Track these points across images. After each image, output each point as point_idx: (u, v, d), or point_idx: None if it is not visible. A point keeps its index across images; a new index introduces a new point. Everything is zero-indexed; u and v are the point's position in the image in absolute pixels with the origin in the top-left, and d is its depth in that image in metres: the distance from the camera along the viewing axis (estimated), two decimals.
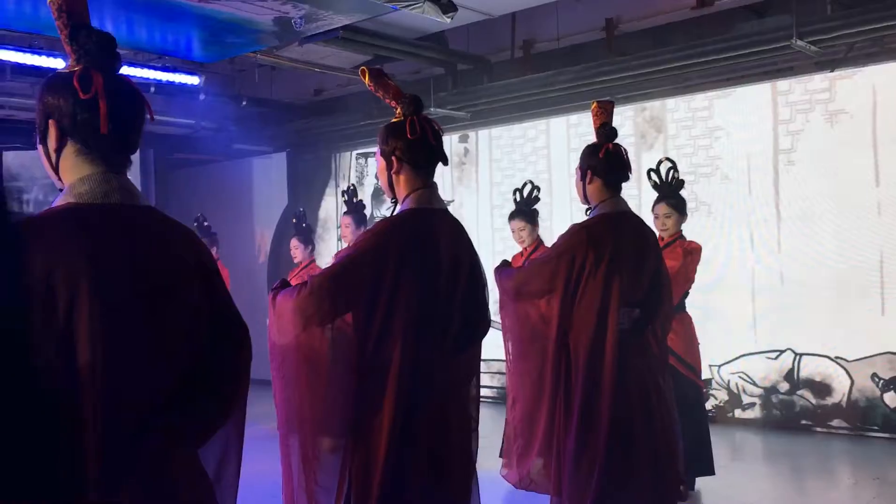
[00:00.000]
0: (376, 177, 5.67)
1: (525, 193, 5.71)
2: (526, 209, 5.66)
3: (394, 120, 2.51)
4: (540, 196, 5.81)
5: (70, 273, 1.46)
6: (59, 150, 1.60)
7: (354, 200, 6.15)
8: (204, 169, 10.91)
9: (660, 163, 5.05)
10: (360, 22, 6.17)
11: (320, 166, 10.19)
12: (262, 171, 10.50)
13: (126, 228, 1.58)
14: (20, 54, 5.82)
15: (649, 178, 5.03)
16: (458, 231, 2.53)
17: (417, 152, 2.45)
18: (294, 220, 6.81)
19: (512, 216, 5.72)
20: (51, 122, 1.59)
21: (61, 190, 1.62)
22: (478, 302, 2.56)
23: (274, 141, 10.15)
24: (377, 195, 9.33)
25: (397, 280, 2.31)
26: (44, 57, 5.89)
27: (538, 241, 5.67)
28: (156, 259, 1.59)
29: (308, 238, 6.70)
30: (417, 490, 2.33)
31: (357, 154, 9.76)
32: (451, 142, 8.75)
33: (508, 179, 8.49)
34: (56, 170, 1.63)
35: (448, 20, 5.35)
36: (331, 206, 10.10)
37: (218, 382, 1.66)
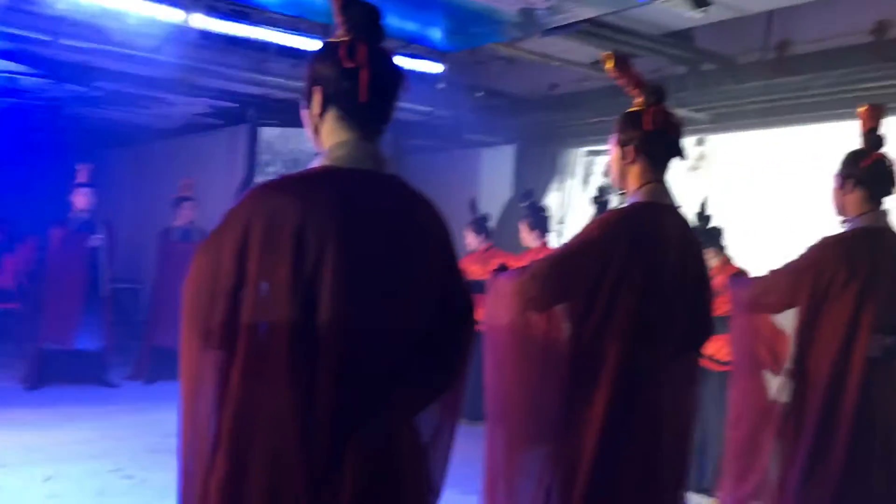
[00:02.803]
0: (604, 174, 5.48)
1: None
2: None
3: (633, 109, 2.42)
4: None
5: (320, 229, 1.53)
6: (321, 115, 1.69)
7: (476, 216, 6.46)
8: (435, 156, 11.27)
9: None
10: (603, 15, 6.06)
11: (547, 161, 10.18)
12: (490, 162, 10.67)
13: (376, 193, 1.64)
14: (285, 35, 6.29)
15: None
16: (687, 231, 2.40)
17: (655, 144, 2.36)
18: (470, 208, 6.96)
19: None
20: (315, 88, 1.68)
21: (317, 153, 1.72)
22: (703, 306, 2.42)
23: (504, 133, 10.27)
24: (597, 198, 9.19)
25: (622, 273, 2.23)
26: (305, 38, 6.32)
27: (725, 260, 5.37)
28: (400, 226, 1.64)
29: (481, 227, 6.90)
30: (624, 493, 2.24)
31: (586, 151, 9.65)
32: (687, 144, 8.41)
33: (747, 187, 8.03)
34: (317, 133, 1.72)
35: (700, 15, 5.12)
36: (555, 202, 10.07)
37: (445, 352, 1.68)
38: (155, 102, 9.06)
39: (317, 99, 1.69)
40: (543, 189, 10.24)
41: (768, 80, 7.18)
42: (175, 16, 5.54)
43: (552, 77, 9.38)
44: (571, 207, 9.81)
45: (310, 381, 1.51)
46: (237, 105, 9.21)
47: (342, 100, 1.66)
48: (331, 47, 1.67)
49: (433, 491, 1.74)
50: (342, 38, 1.66)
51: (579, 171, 9.78)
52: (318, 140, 1.72)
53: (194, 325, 1.58)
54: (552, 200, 10.14)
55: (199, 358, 1.58)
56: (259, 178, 9.11)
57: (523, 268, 2.37)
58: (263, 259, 1.53)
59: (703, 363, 3.51)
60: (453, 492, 2.94)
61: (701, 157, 8.42)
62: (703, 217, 5.24)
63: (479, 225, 6.94)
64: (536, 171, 10.27)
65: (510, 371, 2.39)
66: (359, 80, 1.63)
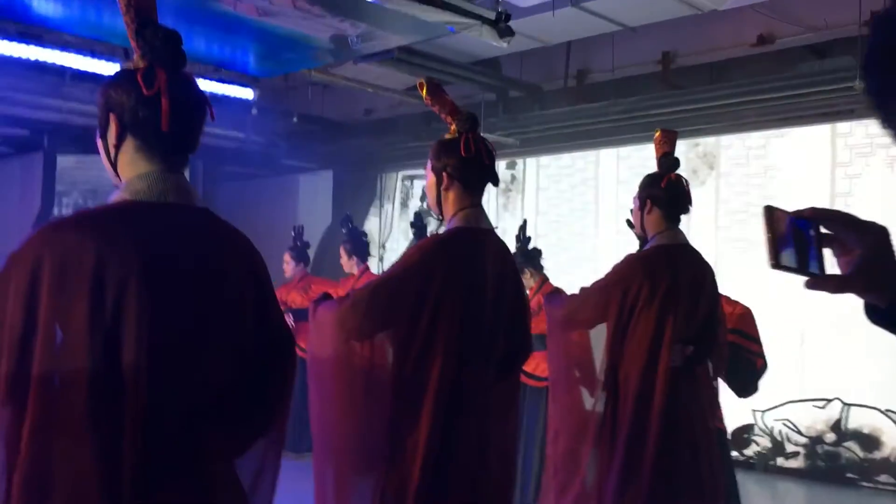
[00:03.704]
0: (421, 198, 5.48)
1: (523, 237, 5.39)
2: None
3: (448, 136, 2.46)
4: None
5: (121, 269, 1.42)
6: (118, 146, 1.58)
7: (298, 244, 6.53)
8: (250, 183, 10.99)
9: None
10: (415, 43, 6.17)
11: (366, 186, 10.20)
12: (308, 188, 10.54)
13: (180, 228, 1.54)
14: (81, 58, 5.91)
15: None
16: (504, 253, 2.46)
17: (470, 171, 2.40)
18: (295, 238, 6.89)
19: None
20: (112, 116, 1.57)
21: (116, 187, 1.60)
22: (522, 327, 2.48)
23: (321, 158, 10.20)
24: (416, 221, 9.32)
25: (441, 299, 2.24)
26: (104, 62, 5.97)
27: (543, 280, 5.35)
28: (208, 262, 1.55)
29: (302, 254, 6.81)
30: None
31: (403, 175, 9.76)
32: (498, 168, 8.70)
33: (554, 209, 8.41)
34: (114, 166, 1.60)
35: (504, 44, 5.31)
36: (373, 226, 10.08)
37: (262, 393, 1.61)
38: None
39: (113, 128, 1.57)
40: (363, 214, 10.24)
41: (571, 106, 7.60)
42: None
43: (367, 103, 9.44)
44: (391, 231, 9.87)
45: (113, 435, 1.39)
46: (29, 132, 8.54)
47: (141, 129, 1.55)
48: (127, 73, 1.56)
49: None
50: (139, 65, 1.56)
51: (398, 195, 9.88)
52: (116, 172, 1.60)
53: None
54: (371, 225, 10.15)
55: None
56: (56, 210, 8.49)
57: (343, 297, 2.33)
58: (56, 303, 1.39)
59: (523, 379, 3.61)
60: None
61: (512, 181, 8.75)
62: (522, 239, 5.36)
63: (300, 253, 6.82)
64: (355, 196, 10.26)
65: (335, 402, 2.34)
66: (160, 108, 1.53)
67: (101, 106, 1.59)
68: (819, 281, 0.97)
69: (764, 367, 4.11)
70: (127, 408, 1.40)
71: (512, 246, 4.47)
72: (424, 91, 2.44)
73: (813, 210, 0.97)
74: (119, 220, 1.51)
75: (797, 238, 0.97)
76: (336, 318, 2.29)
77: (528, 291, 5.01)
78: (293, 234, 6.96)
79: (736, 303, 4.24)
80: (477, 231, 2.38)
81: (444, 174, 2.40)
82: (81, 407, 1.39)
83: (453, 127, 2.43)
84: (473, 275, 2.31)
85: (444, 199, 2.42)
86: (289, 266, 6.79)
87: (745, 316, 4.07)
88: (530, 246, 5.38)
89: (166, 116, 1.53)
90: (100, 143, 1.61)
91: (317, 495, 2.31)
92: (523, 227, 5.40)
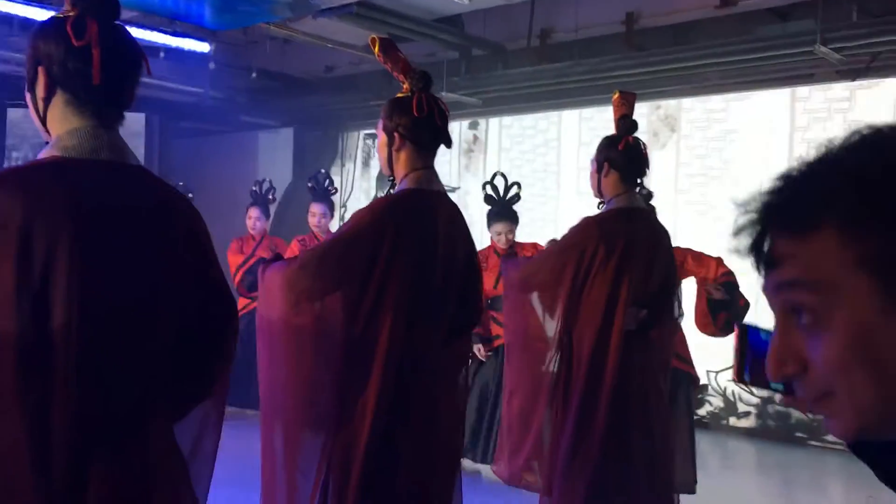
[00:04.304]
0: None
1: (503, 190, 5.07)
2: (508, 208, 5.06)
3: (400, 95, 2.40)
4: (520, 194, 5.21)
5: (50, 228, 1.36)
6: (47, 100, 1.50)
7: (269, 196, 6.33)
8: (209, 140, 10.79)
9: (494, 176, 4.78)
10: None
11: (327, 144, 10.06)
12: (268, 146, 10.37)
13: (113, 187, 1.48)
14: (27, 7, 5.70)
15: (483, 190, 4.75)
16: (455, 215, 2.43)
17: (422, 131, 2.35)
18: (259, 190, 6.65)
19: (497, 218, 5.05)
20: (40, 69, 1.49)
21: (47, 143, 1.52)
22: (473, 288, 2.46)
23: (282, 115, 10.02)
24: (383, 178, 9.22)
25: (391, 260, 2.21)
26: (52, 11, 5.76)
27: (513, 242, 5.13)
28: (143, 222, 1.49)
29: (267, 210, 6.58)
30: (399, 480, 2.23)
31: (365, 134, 9.63)
32: (460, 128, 8.63)
33: (517, 169, 8.37)
34: (44, 121, 1.52)
35: (467, 2, 5.23)
36: (335, 184, 9.98)
37: (202, 356, 1.57)
38: None
39: (42, 81, 1.49)
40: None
41: (534, 66, 7.53)
42: None
43: (328, 59, 9.26)
44: (352, 191, 9.77)
45: (43, 400, 1.34)
46: None
47: (71, 82, 1.47)
48: (56, 23, 1.48)
49: None
50: (69, 13, 1.48)
51: (359, 154, 9.76)
52: (46, 128, 1.52)
53: None
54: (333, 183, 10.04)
55: None
56: (5, 164, 8.25)
57: (292, 258, 2.29)
58: None
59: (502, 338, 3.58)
60: (239, 489, 2.82)
61: (475, 141, 8.68)
62: (496, 191, 5.08)
63: (266, 208, 6.58)
64: (316, 154, 10.12)
65: (285, 363, 2.31)
66: (91, 60, 1.45)
67: (28, 57, 1.51)
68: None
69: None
70: (57, 372, 1.35)
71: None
72: (376, 48, 2.37)
73: None
74: (48, 178, 1.44)
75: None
76: (285, 279, 2.24)
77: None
78: (256, 188, 6.69)
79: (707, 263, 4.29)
80: (429, 193, 2.34)
81: (395, 134, 2.35)
82: (9, 371, 1.34)
83: (406, 86, 2.37)
84: (424, 236, 2.28)
85: (396, 160, 2.37)
86: (259, 223, 6.52)
87: (681, 340, 4.24)
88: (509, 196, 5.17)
89: (98, 69, 1.46)
90: (28, 96, 1.54)
91: (263, 456, 2.28)
92: (494, 179, 5.19)
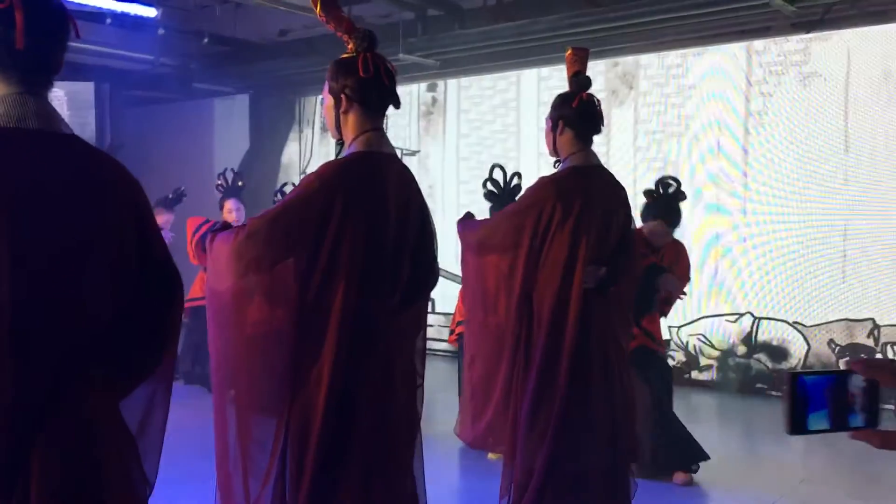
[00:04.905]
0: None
1: (502, 180, 4.49)
2: (510, 200, 4.29)
3: (345, 56, 2.33)
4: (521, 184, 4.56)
5: None
6: None
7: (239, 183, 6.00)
8: (163, 108, 10.56)
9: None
10: None
11: (284, 110, 9.90)
12: (224, 113, 10.18)
13: (43, 157, 1.41)
14: None
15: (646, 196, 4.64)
16: (407, 178, 2.37)
17: (369, 92, 2.28)
18: (226, 181, 6.32)
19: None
20: None
21: None
22: (427, 252, 2.41)
23: (236, 82, 9.82)
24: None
25: (342, 225, 2.15)
26: None
27: None
28: (77, 193, 1.43)
29: (239, 194, 6.29)
30: (359, 447, 2.21)
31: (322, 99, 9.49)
32: (419, 90, 8.53)
33: (476, 131, 8.33)
34: None
35: None
36: (293, 151, 9.84)
37: (146, 331, 1.52)
38: None
39: None
40: (282, 139, 9.97)
41: (491, 25, 7.43)
42: None
43: (281, 22, 9.05)
44: (311, 157, 9.65)
45: None
46: None
47: None
48: None
49: (147, 482, 1.58)
50: None
51: (317, 119, 9.62)
52: None
53: None
54: (291, 150, 9.90)
55: None
56: None
57: (239, 227, 2.22)
58: None
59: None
60: (205, 464, 2.74)
61: (434, 103, 8.60)
62: (497, 186, 4.65)
63: (239, 194, 6.33)
64: (272, 121, 9.96)
65: (234, 337, 2.25)
66: (12, 23, 1.38)
67: None
68: (862, 433, 0.97)
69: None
70: None
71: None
72: (318, 7, 2.30)
73: (863, 364, 0.97)
74: None
75: (834, 396, 0.97)
76: (233, 249, 2.18)
77: None
78: (221, 182, 6.38)
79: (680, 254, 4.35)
80: (379, 155, 2.29)
81: (342, 96, 2.29)
82: None
83: (351, 46, 2.30)
84: (375, 200, 2.23)
85: (344, 123, 2.31)
86: (238, 213, 6.25)
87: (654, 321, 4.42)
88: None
89: (21, 33, 1.39)
90: None
91: (216, 430, 2.24)
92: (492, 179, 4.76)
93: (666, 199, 4.59)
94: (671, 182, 4.60)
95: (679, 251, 4.72)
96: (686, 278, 4.72)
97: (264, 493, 2.19)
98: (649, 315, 4.37)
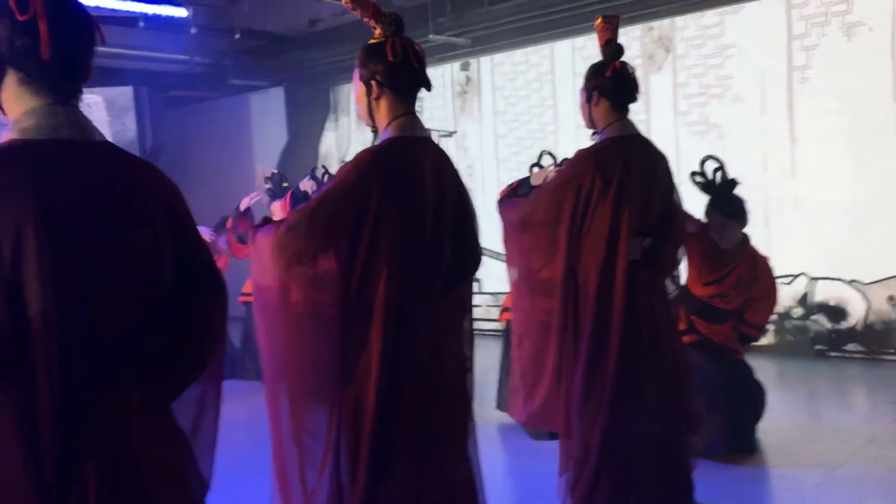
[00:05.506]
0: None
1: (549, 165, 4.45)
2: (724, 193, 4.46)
3: (373, 41, 2.31)
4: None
5: (15, 214, 1.31)
6: None
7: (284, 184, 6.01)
8: (201, 107, 10.68)
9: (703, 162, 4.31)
10: None
11: (320, 100, 9.93)
12: (261, 108, 10.26)
13: (78, 167, 1.42)
14: None
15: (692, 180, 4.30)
16: (443, 160, 2.35)
17: (399, 76, 2.26)
18: (274, 185, 6.43)
19: None
20: None
21: (6, 125, 1.46)
22: (468, 234, 2.39)
23: (270, 75, 9.88)
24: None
25: (380, 213, 2.15)
26: None
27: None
28: (112, 200, 1.43)
29: (280, 190, 6.35)
30: (411, 435, 2.21)
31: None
32: (452, 71, 8.46)
33: (512, 108, 8.24)
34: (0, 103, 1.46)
35: None
36: (331, 141, 9.87)
37: (189, 334, 1.52)
38: None
39: None
40: (318, 129, 10.00)
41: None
42: None
43: (310, 12, 9.07)
44: (350, 145, 9.67)
45: (27, 393, 1.30)
46: None
47: (21, 60, 1.40)
48: None
49: (203, 481, 1.60)
50: None
51: (353, 107, 9.62)
52: (3, 110, 1.46)
53: None
54: (329, 140, 9.93)
55: None
56: None
57: (280, 221, 2.23)
58: None
59: None
60: (259, 459, 2.77)
61: (468, 82, 8.53)
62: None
63: (279, 190, 6.44)
64: (308, 111, 9.99)
65: (282, 330, 2.26)
66: (37, 34, 1.38)
67: None
68: None
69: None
70: (38, 362, 1.31)
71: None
72: None
73: None
74: (8, 163, 1.38)
75: None
76: (275, 243, 2.19)
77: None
78: (270, 185, 6.50)
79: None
80: (413, 140, 2.27)
81: (372, 83, 2.27)
82: None
83: (378, 31, 2.28)
84: (412, 186, 2.21)
85: (376, 110, 2.29)
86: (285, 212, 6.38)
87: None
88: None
89: (46, 43, 1.39)
90: None
91: (271, 424, 2.26)
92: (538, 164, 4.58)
93: (723, 190, 4.26)
94: (717, 162, 4.30)
95: (755, 262, 4.39)
96: (769, 298, 4.45)
97: (321, 482, 2.21)
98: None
